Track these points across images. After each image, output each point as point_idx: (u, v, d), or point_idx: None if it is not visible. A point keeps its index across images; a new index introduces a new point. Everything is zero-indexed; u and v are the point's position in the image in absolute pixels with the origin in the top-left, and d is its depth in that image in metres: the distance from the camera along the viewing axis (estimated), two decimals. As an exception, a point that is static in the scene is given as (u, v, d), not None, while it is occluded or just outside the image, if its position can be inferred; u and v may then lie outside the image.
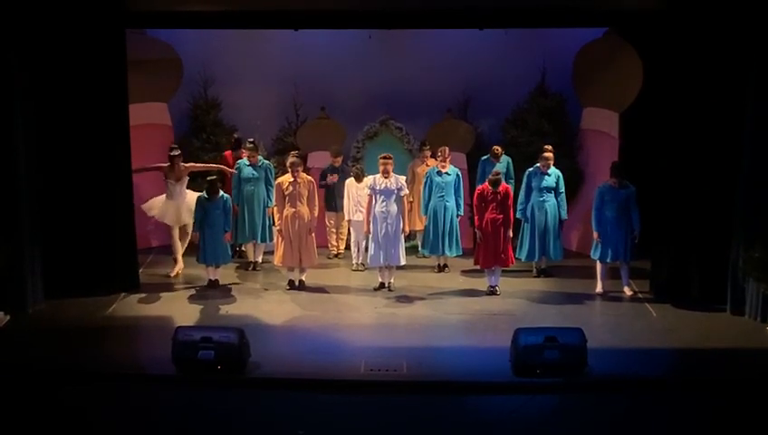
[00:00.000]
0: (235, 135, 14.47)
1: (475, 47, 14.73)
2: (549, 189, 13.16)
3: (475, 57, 14.87)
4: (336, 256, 14.39)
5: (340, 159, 14.22)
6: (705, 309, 11.93)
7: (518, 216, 13.22)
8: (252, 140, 13.77)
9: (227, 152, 14.34)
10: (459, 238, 13.42)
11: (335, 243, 14.44)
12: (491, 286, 12.65)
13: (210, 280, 12.84)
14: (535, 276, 13.42)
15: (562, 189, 13.26)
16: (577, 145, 14.89)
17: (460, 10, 12.95)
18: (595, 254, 12.63)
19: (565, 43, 14.56)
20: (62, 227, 12.25)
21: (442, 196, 13.23)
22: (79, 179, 12.24)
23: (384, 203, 12.50)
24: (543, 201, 13.14)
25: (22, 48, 11.58)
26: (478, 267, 12.83)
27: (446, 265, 13.72)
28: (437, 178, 13.26)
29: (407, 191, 12.85)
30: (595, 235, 12.53)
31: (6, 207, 11.55)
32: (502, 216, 12.41)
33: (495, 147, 13.93)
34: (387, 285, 12.74)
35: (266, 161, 13.89)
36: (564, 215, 13.31)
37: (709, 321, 11.63)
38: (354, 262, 13.81)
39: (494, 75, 14.95)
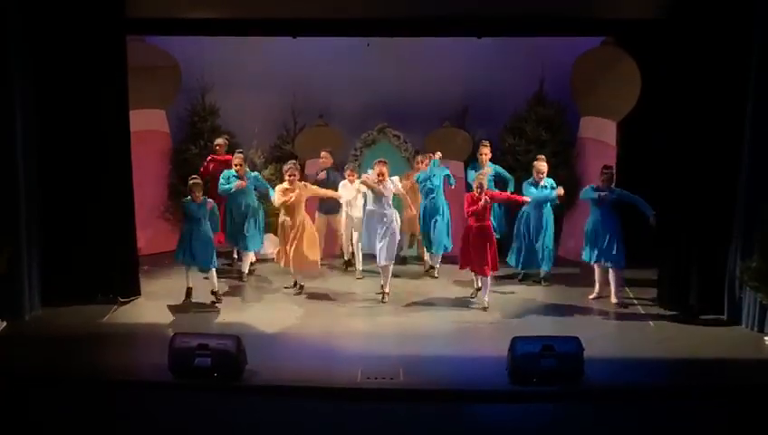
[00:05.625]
0: (218, 142, 14.19)
1: (473, 55, 14.75)
2: (544, 201, 13.14)
3: (474, 65, 14.88)
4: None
5: (330, 162, 14.06)
6: (704, 319, 11.92)
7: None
8: (240, 151, 13.59)
9: (211, 157, 14.11)
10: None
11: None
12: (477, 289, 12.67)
13: (188, 287, 12.59)
14: (519, 280, 13.44)
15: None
16: (575, 154, 14.89)
17: (458, 18, 12.97)
18: (586, 256, 12.67)
19: (563, 51, 14.56)
20: (61, 233, 12.26)
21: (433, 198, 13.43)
22: (79, 185, 12.25)
23: (378, 205, 12.54)
24: (539, 211, 13.13)
25: (22, 55, 11.59)
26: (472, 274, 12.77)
27: (432, 268, 13.81)
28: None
29: (399, 186, 12.86)
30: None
31: (5, 214, 11.55)
32: (485, 224, 12.29)
33: (484, 150, 13.85)
34: (382, 294, 12.71)
35: (252, 172, 13.61)
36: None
37: (706, 330, 11.64)
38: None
39: (492, 84, 14.95)
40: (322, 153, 14.05)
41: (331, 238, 14.45)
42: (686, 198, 12.01)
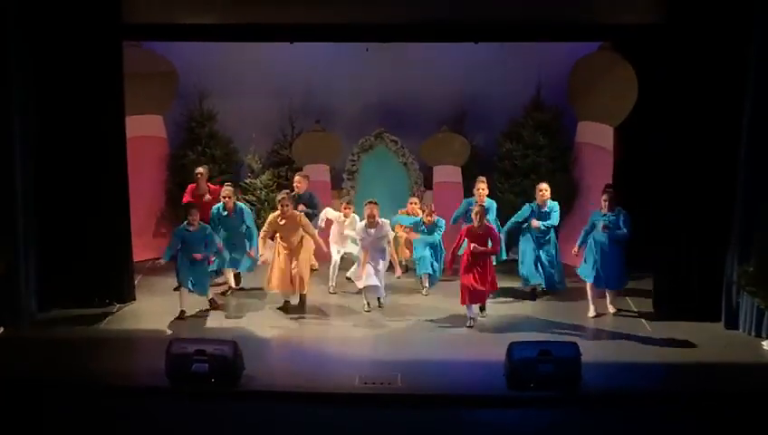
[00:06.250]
0: (199, 170, 13.75)
1: (470, 61, 14.74)
2: (548, 228, 12.95)
3: (471, 71, 14.88)
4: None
5: (305, 186, 13.54)
6: (701, 324, 11.88)
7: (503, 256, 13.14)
8: (229, 184, 13.27)
9: (191, 186, 13.64)
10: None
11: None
12: (470, 318, 12.04)
13: (182, 310, 12.23)
14: (533, 299, 13.11)
15: (555, 220, 12.99)
16: (572, 158, 14.90)
17: (456, 23, 12.97)
18: (588, 276, 12.34)
19: (561, 56, 14.56)
20: (58, 239, 12.26)
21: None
22: (75, 191, 12.26)
23: (374, 252, 12.37)
24: (543, 237, 12.95)
25: (19, 61, 11.59)
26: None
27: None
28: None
29: (390, 238, 12.64)
30: (575, 249, 12.37)
31: (3, 219, 11.54)
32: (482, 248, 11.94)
33: (481, 186, 13.33)
34: (378, 302, 12.53)
35: (240, 204, 13.25)
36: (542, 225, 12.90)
37: (704, 335, 11.61)
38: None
39: (489, 89, 14.95)
40: (296, 177, 13.55)
41: None
42: (683, 203, 12.01)
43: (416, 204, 13.92)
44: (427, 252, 13.12)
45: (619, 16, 12.90)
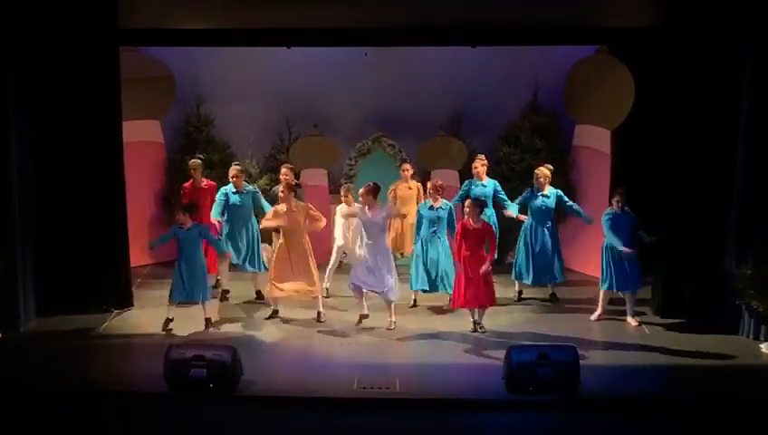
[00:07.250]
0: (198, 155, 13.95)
1: (467, 64, 14.75)
2: (549, 211, 12.90)
3: (468, 74, 14.88)
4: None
5: (291, 176, 13.03)
6: (699, 327, 11.89)
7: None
8: (237, 163, 13.36)
9: (189, 184, 13.59)
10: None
11: None
12: (475, 322, 11.88)
13: (168, 319, 11.91)
14: (552, 301, 13.06)
15: (569, 202, 12.98)
16: (570, 162, 14.89)
17: (453, 27, 12.97)
18: (611, 285, 12.10)
19: (557, 59, 14.58)
20: (55, 244, 12.25)
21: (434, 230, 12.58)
22: (73, 197, 12.24)
23: (372, 234, 11.87)
24: (543, 224, 12.94)
25: (16, 66, 11.58)
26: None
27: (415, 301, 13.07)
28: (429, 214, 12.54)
29: (391, 213, 12.23)
30: (626, 250, 11.84)
31: (0, 225, 11.52)
32: (480, 254, 11.58)
33: (477, 163, 13.39)
34: (390, 322, 12.01)
35: (251, 187, 13.25)
36: (589, 218, 12.84)
37: (703, 338, 11.60)
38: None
39: (486, 92, 14.95)
40: (283, 169, 13.18)
41: None
42: (680, 206, 12.03)
43: (408, 171, 13.68)
44: (420, 268, 12.57)
45: (615, 19, 12.91)
